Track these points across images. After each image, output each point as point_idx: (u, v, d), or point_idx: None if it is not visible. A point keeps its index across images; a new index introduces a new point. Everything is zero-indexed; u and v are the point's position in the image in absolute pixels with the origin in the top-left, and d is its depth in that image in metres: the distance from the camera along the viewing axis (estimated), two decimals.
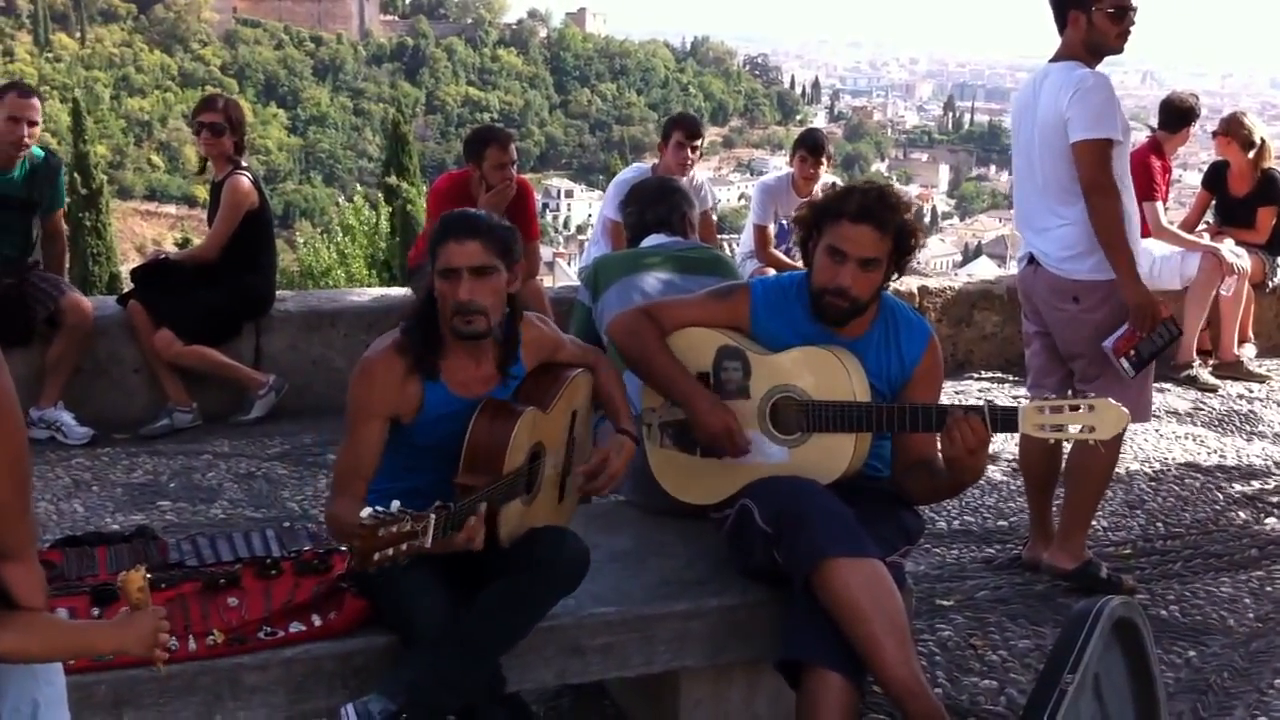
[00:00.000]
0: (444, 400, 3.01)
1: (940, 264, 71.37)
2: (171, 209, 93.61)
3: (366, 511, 2.49)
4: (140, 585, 1.97)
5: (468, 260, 2.94)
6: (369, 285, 19.30)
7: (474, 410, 2.97)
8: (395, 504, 2.53)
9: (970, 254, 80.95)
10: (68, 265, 6.42)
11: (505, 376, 3.10)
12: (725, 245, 9.90)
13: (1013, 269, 5.81)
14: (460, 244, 2.94)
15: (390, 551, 2.49)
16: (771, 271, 6.91)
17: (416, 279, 6.20)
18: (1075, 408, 3.08)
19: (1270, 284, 7.72)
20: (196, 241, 6.31)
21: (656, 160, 7.67)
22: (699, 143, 7.40)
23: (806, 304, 3.35)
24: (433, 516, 2.58)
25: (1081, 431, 3.08)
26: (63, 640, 1.87)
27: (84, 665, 2.70)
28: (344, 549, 3.28)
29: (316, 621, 2.95)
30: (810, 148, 7.53)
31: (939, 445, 3.21)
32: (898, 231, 3.24)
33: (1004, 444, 6.05)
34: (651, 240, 4.37)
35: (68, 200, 7.29)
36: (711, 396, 3.35)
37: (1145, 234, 7.19)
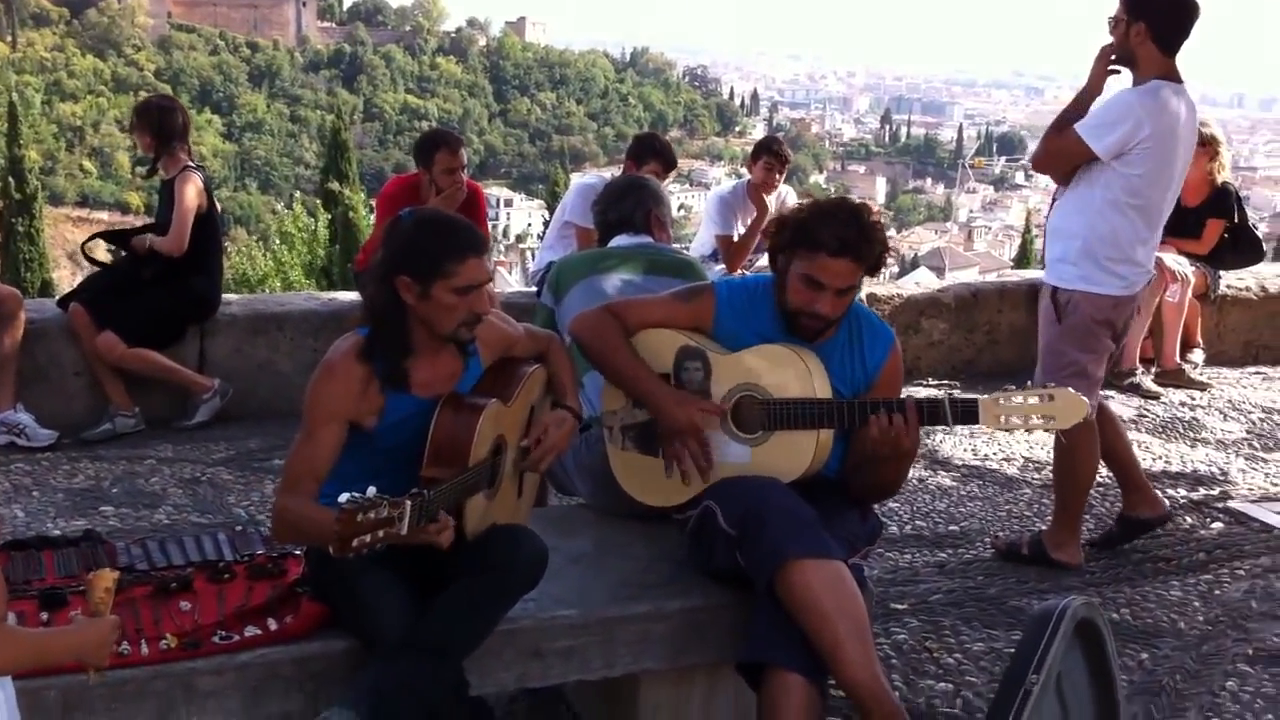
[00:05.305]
0: (405, 403, 2.97)
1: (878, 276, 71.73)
2: (104, 215, 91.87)
3: (345, 496, 2.46)
4: (108, 586, 1.91)
5: (485, 275, 2.98)
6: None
7: (434, 410, 2.94)
8: (371, 489, 2.52)
9: (907, 266, 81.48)
10: None
11: (463, 373, 3.08)
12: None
13: (950, 280, 5.85)
14: (479, 260, 2.96)
15: (368, 538, 2.48)
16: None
17: (364, 283, 6.12)
18: (1035, 398, 3.12)
19: (1213, 295, 7.84)
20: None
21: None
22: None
23: (773, 309, 3.34)
24: (409, 503, 2.56)
25: (1042, 422, 3.11)
26: (22, 652, 1.79)
27: (32, 670, 2.64)
28: (295, 551, 3.23)
29: (272, 625, 2.89)
30: (777, 155, 7.73)
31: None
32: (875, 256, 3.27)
33: (954, 448, 6.10)
34: (617, 241, 4.33)
35: (1, 205, 7.13)
36: (677, 393, 3.33)
37: None
